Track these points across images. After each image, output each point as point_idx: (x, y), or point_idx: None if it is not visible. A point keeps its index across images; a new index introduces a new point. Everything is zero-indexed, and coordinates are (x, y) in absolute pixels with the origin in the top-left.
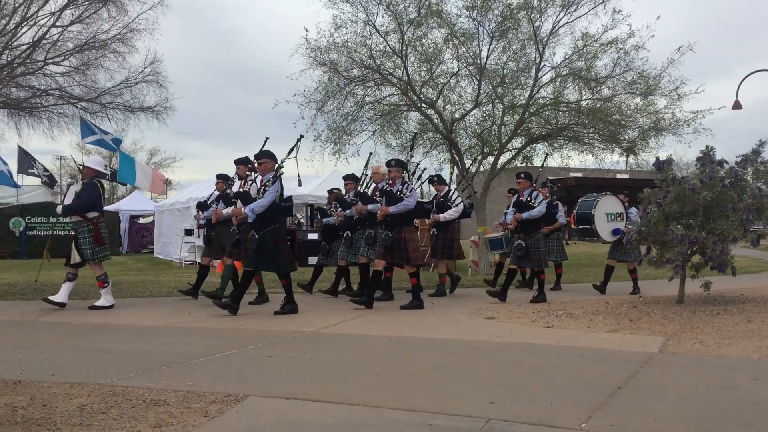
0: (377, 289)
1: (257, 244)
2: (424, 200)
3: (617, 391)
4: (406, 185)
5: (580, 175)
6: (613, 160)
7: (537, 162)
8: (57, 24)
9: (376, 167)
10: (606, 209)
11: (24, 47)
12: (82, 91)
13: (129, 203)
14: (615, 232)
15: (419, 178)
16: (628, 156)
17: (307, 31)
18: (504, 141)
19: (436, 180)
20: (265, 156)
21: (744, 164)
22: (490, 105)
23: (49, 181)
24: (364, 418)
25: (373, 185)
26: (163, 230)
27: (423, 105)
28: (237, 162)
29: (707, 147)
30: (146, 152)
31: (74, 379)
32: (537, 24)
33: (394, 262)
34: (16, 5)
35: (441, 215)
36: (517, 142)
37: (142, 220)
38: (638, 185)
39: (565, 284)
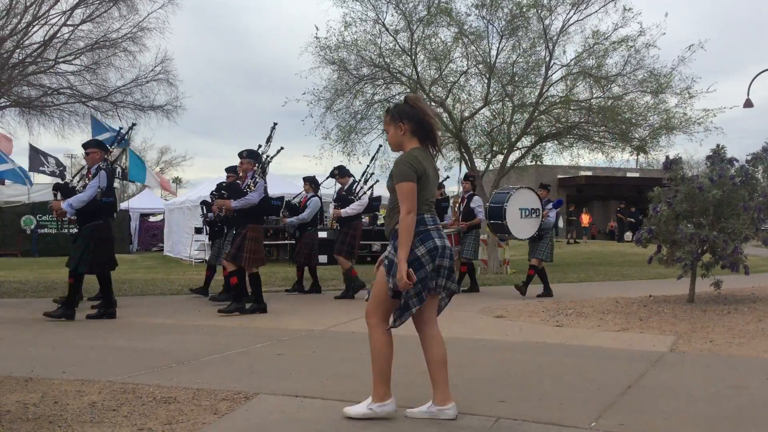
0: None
1: (75, 239)
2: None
3: (627, 391)
4: (254, 179)
5: (590, 173)
6: (623, 159)
7: (547, 160)
8: (68, 23)
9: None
10: (520, 204)
11: (35, 46)
12: (92, 89)
13: (139, 201)
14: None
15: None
16: (638, 154)
17: (317, 29)
18: (513, 139)
19: (338, 173)
20: (93, 146)
21: (755, 162)
22: (500, 103)
23: (59, 170)
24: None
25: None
26: (173, 228)
27: (432, 103)
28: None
29: (718, 145)
30: (156, 151)
31: (85, 376)
32: (547, 22)
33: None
34: (28, 4)
35: (343, 210)
36: (526, 141)
37: (152, 219)
38: (648, 184)
39: (574, 283)
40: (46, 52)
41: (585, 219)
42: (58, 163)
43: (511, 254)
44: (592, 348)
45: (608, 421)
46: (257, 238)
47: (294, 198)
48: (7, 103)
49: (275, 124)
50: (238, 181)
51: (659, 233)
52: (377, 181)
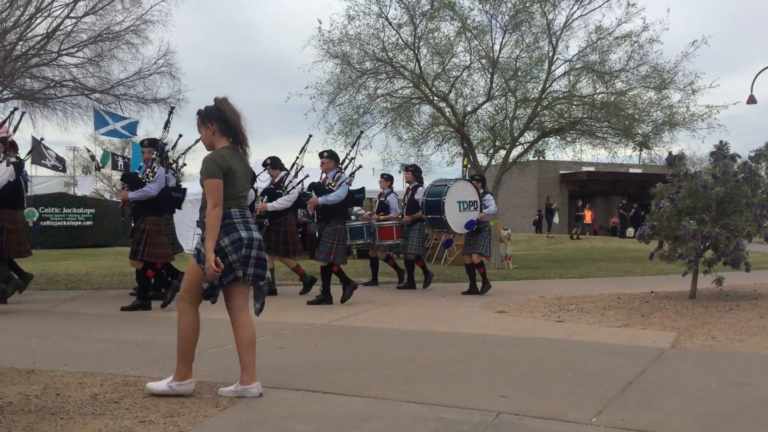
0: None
1: None
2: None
3: (628, 386)
4: (152, 169)
5: (592, 169)
6: (626, 155)
7: (549, 156)
8: (71, 15)
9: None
10: (458, 197)
11: (38, 38)
12: (95, 82)
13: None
14: (468, 225)
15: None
16: (641, 150)
17: (320, 22)
18: (516, 134)
19: (270, 163)
20: None
21: (758, 159)
22: (503, 98)
23: (61, 165)
24: (374, 411)
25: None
26: (175, 221)
27: (435, 98)
28: None
29: (721, 142)
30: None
31: (87, 368)
32: (550, 17)
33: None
34: None
35: (269, 204)
36: (529, 136)
37: None
38: (651, 180)
39: (576, 279)
40: (49, 44)
41: (587, 215)
42: (59, 158)
43: (513, 249)
44: (594, 344)
45: (609, 416)
46: (157, 231)
47: None
48: (10, 95)
49: (172, 108)
50: (137, 171)
51: (662, 229)
52: (307, 175)
